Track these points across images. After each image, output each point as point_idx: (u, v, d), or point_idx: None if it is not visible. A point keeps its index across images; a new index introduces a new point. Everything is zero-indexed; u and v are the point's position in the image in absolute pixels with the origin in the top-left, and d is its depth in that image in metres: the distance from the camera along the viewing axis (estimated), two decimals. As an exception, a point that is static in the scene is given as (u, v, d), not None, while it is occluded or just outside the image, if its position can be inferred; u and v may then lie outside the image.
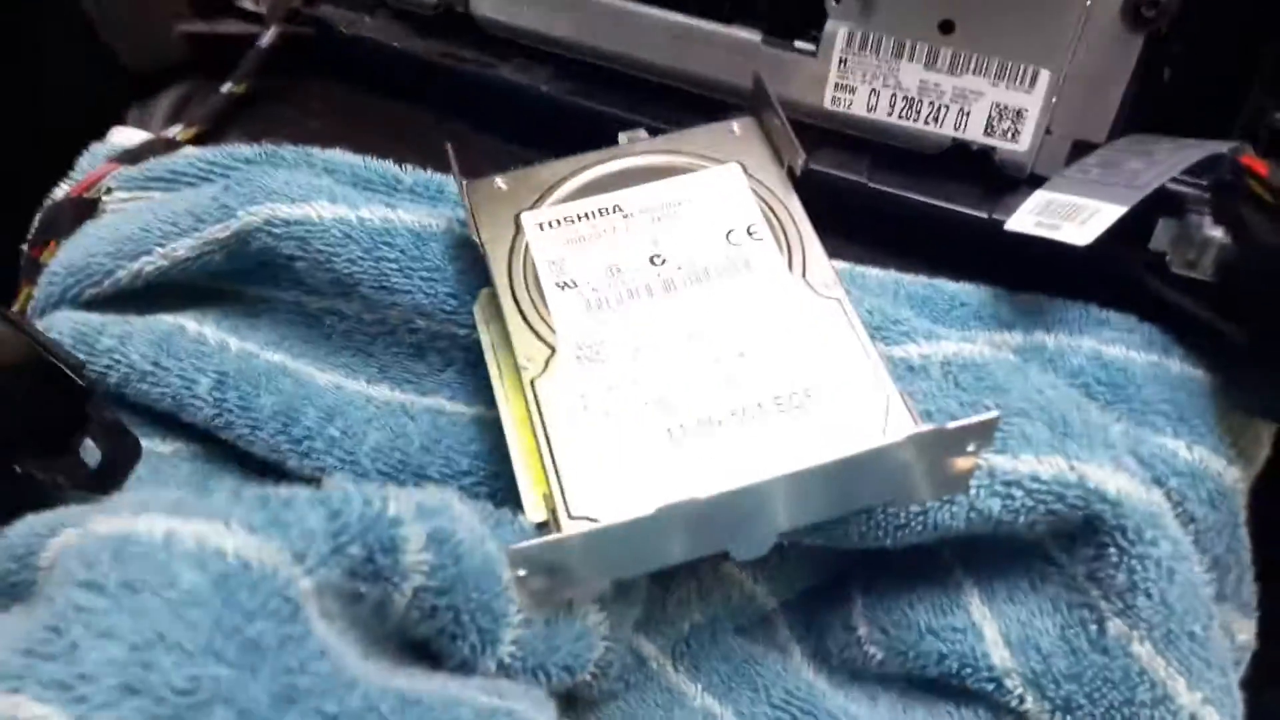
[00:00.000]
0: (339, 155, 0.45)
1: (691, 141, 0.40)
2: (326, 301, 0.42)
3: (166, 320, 0.42)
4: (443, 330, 0.41)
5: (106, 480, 0.37)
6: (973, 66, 0.40)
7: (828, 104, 0.43)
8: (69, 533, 0.33)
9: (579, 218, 0.38)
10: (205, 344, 0.41)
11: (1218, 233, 0.37)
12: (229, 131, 0.51)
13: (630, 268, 0.37)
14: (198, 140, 0.49)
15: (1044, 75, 0.39)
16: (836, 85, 0.42)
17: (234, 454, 0.41)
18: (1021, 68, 0.39)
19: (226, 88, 0.50)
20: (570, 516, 0.31)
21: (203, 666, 0.23)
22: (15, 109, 0.55)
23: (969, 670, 0.36)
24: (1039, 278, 0.42)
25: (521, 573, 0.30)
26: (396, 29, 0.50)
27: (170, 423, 0.42)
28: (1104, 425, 0.36)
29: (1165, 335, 0.40)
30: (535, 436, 0.33)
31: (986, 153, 0.41)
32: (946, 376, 0.37)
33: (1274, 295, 0.36)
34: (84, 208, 0.47)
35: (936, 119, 0.41)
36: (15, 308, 0.46)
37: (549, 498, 0.32)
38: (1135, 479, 0.34)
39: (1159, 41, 0.38)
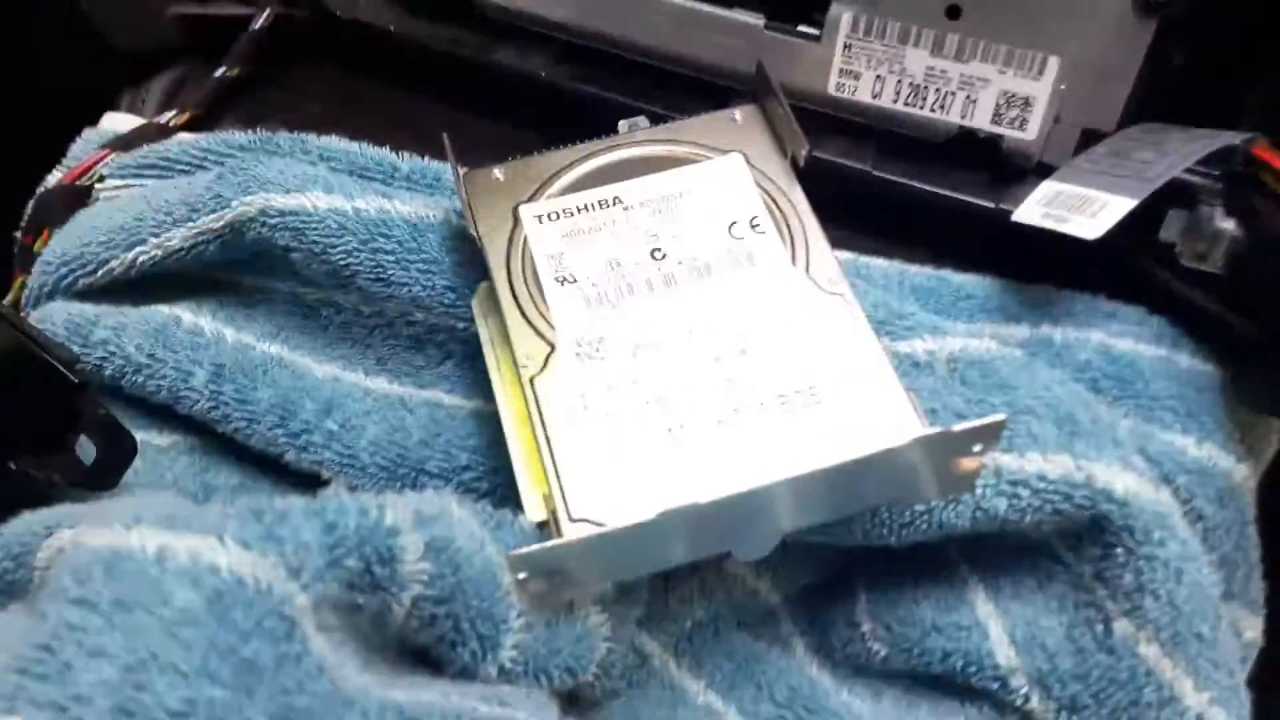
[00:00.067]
0: (335, 142, 0.45)
1: (692, 131, 0.40)
2: (323, 293, 0.42)
3: (162, 311, 0.42)
4: (441, 323, 0.40)
5: (102, 477, 0.37)
6: (980, 53, 0.39)
7: (832, 90, 0.42)
8: (64, 535, 0.32)
9: (578, 210, 0.37)
10: (201, 335, 0.41)
11: (1229, 225, 0.37)
12: (223, 116, 0.50)
13: (630, 262, 0.36)
14: (191, 125, 0.49)
15: (1053, 62, 0.38)
16: (841, 71, 0.41)
17: (232, 446, 0.41)
18: (1030, 55, 0.38)
19: (220, 72, 0.50)
20: (571, 519, 0.31)
21: (197, 689, 0.23)
22: (6, 93, 0.55)
23: (974, 668, 0.36)
24: (1046, 268, 0.41)
25: (522, 576, 0.30)
26: (392, 11, 0.49)
27: (167, 414, 0.41)
28: (1112, 423, 0.35)
29: (1174, 329, 0.39)
30: (535, 436, 0.33)
31: (993, 141, 0.41)
32: (952, 373, 0.37)
33: (1286, 289, 0.36)
34: (77, 195, 0.46)
35: (943, 106, 0.40)
36: (10, 297, 0.46)
37: (549, 498, 0.32)
38: (1143, 478, 0.34)
39: (1170, 27, 0.37)
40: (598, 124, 0.40)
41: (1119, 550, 0.33)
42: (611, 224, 0.37)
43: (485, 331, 0.37)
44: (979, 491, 0.34)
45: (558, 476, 0.32)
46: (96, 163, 0.46)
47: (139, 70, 0.52)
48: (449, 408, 0.40)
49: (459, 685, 0.30)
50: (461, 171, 0.39)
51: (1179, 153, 0.35)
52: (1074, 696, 0.34)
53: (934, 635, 0.36)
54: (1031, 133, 0.40)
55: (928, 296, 0.41)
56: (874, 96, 0.41)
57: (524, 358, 0.34)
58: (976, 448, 0.31)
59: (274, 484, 0.41)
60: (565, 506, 0.31)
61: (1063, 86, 0.39)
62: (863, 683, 0.38)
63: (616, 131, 0.40)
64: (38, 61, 0.56)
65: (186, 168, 0.45)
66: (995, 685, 0.35)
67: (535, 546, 0.29)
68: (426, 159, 0.44)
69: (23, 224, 0.47)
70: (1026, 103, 0.39)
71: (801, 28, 0.42)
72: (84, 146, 0.48)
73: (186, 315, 0.42)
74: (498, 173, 0.39)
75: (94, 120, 0.50)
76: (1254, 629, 0.38)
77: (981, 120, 0.40)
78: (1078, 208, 0.36)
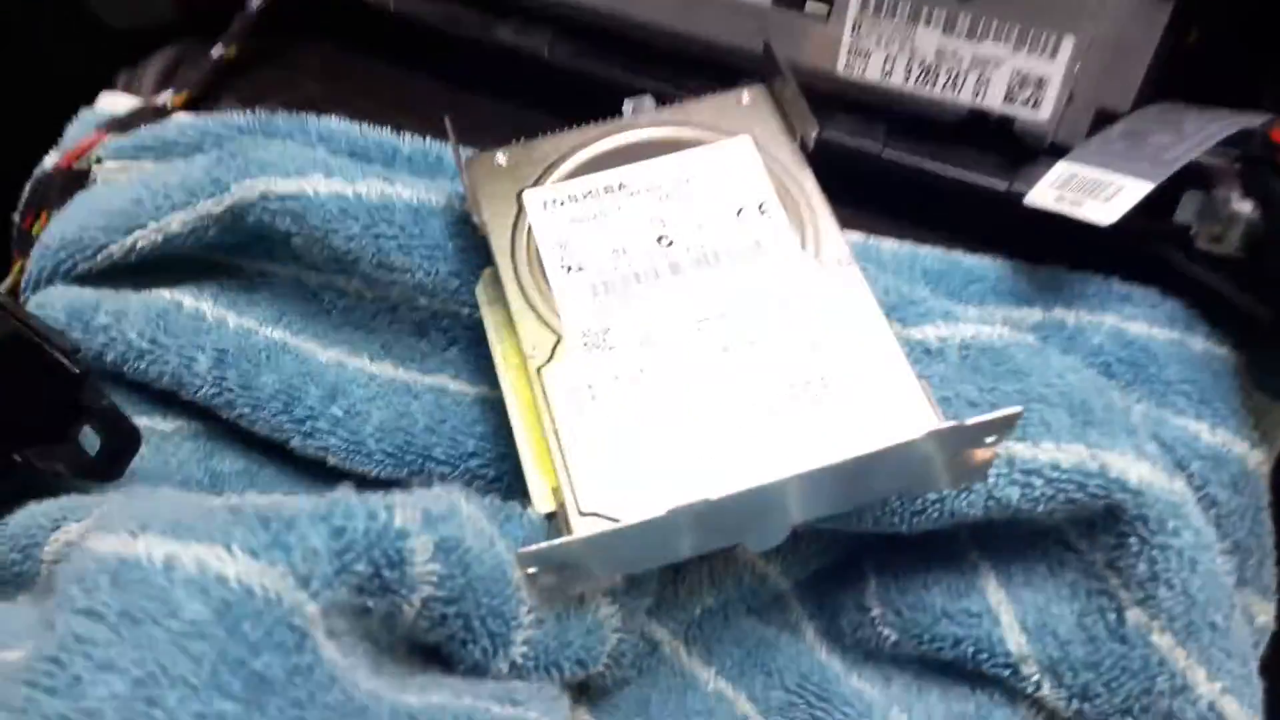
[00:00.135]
0: (335, 123, 0.44)
1: (699, 112, 0.39)
2: (325, 277, 0.41)
3: (163, 296, 0.41)
4: (445, 309, 0.40)
5: (107, 467, 0.37)
6: (993, 32, 0.38)
7: (841, 70, 0.41)
8: (71, 529, 0.32)
9: (583, 195, 0.37)
10: (203, 320, 0.41)
11: (1246, 207, 0.36)
12: (221, 96, 0.49)
13: (637, 249, 0.36)
14: (189, 106, 0.48)
15: (1067, 41, 0.37)
16: (850, 50, 0.41)
17: (237, 431, 0.41)
18: (1044, 33, 0.37)
19: (217, 51, 0.49)
20: (580, 513, 0.31)
21: (208, 703, 0.23)
22: (1, 73, 0.54)
23: (984, 655, 0.35)
24: (1058, 250, 0.41)
25: (531, 571, 0.30)
26: (392, -13, 0.48)
27: (171, 400, 0.41)
28: (1125, 410, 0.35)
29: (1188, 312, 0.39)
30: (542, 427, 0.33)
31: (1006, 121, 0.40)
32: (964, 360, 0.36)
33: (1303, 273, 0.35)
34: (74, 178, 0.46)
35: (954, 86, 0.40)
36: (9, 281, 0.45)
37: (558, 491, 0.32)
38: (1157, 467, 0.33)
39: (1187, 5, 0.36)
40: (601, 103, 0.40)
41: (1133, 539, 0.33)
42: (617, 210, 0.36)
43: (490, 318, 0.37)
44: (992, 481, 0.33)
45: (567, 469, 0.32)
46: (93, 144, 0.46)
47: (135, 49, 0.51)
48: (454, 394, 0.40)
49: (470, 683, 0.30)
50: (464, 156, 0.38)
51: (1197, 135, 0.35)
52: (1085, 685, 0.34)
53: (944, 621, 0.36)
54: (1045, 113, 0.39)
55: (939, 280, 0.41)
56: (884, 76, 0.41)
57: (530, 347, 0.34)
58: (990, 439, 0.30)
59: (279, 469, 0.41)
60: (575, 500, 0.31)
61: (1077, 66, 0.38)
62: (873, 666, 0.38)
63: (621, 111, 0.40)
64: (32, 41, 0.55)
65: (184, 150, 0.45)
66: (1006, 672, 0.35)
67: (545, 544, 0.29)
68: (428, 140, 0.44)
69: (20, 207, 0.46)
70: (1040, 83, 0.38)
71: (809, 6, 0.41)
72: (80, 127, 0.48)
73: (188, 300, 0.41)
74: (501, 157, 0.38)
75: (90, 100, 0.49)
76: (1267, 614, 0.38)
77: (994, 100, 0.39)
78: (1092, 191, 0.35)
